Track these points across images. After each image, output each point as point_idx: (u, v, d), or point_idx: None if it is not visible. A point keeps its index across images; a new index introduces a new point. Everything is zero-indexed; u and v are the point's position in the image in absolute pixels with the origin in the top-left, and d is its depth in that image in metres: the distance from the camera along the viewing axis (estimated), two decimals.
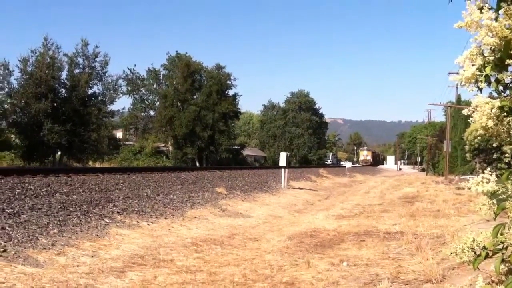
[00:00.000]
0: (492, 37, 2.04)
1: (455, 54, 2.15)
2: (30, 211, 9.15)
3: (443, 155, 41.33)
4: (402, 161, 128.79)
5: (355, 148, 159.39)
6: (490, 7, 2.07)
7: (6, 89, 36.94)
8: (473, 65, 2.10)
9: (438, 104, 52.56)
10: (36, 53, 37.24)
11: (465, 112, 2.18)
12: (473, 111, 2.13)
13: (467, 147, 23.74)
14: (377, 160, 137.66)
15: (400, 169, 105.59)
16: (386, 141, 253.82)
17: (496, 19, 2.04)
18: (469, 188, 2.13)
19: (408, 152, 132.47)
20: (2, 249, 6.73)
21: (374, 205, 15.93)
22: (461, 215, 10.60)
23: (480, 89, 2.13)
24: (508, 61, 2.02)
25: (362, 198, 19.88)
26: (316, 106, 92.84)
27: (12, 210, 8.95)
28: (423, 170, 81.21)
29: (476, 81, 2.11)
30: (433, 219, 10.47)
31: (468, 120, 2.23)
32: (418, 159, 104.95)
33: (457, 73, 2.20)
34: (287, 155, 23.98)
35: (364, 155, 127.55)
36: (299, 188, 24.30)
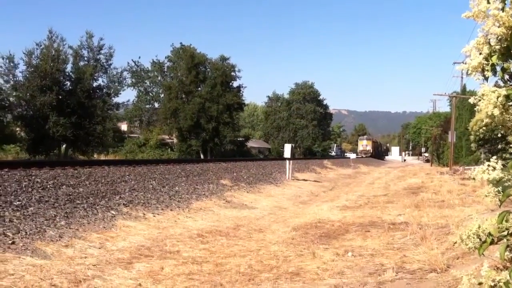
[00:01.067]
0: (499, 27, 2.06)
1: (460, 44, 2.18)
2: (38, 204, 9.21)
3: (448, 146, 41.29)
4: (406, 152, 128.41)
5: None
6: None
7: (12, 82, 37.05)
8: (480, 53, 2.12)
9: (443, 94, 52.53)
10: (41, 45, 37.30)
11: (471, 100, 2.20)
12: (479, 100, 2.14)
13: (472, 137, 23.66)
14: (379, 151, 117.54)
15: (404, 160, 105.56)
16: (391, 132, 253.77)
17: (503, 9, 2.05)
18: (474, 178, 2.15)
19: (412, 143, 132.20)
20: (10, 241, 6.79)
21: (378, 196, 15.94)
22: (466, 206, 10.60)
23: (486, 78, 2.14)
24: None
25: (366, 189, 19.89)
26: (321, 97, 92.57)
27: (19, 202, 9.02)
28: (427, 161, 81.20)
29: (483, 70, 2.13)
30: (437, 210, 10.48)
31: (474, 109, 2.24)
32: (423, 149, 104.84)
33: (463, 62, 2.22)
34: (291, 146, 23.96)
35: (364, 145, 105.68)
36: (304, 179, 24.33)
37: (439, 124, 65.51)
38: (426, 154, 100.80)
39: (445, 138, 47.12)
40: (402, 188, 18.97)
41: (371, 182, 25.15)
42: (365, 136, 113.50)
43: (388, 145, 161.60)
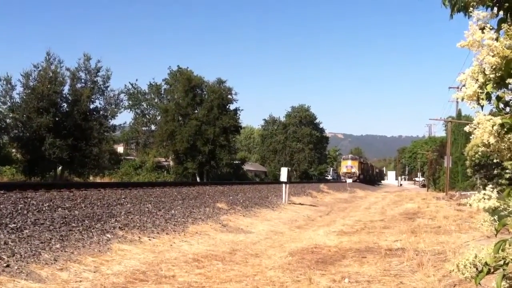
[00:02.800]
0: (493, 57, 2.09)
1: (455, 68, 2.22)
2: (33, 226, 9.16)
3: (444, 171, 41.36)
4: (403, 176, 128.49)
5: None
6: (491, 27, 2.13)
7: (8, 104, 37.12)
8: (476, 81, 2.16)
9: (438, 119, 52.84)
10: (38, 67, 37.44)
11: (467, 129, 2.23)
12: (475, 128, 2.17)
13: (467, 162, 23.75)
14: (370, 175, 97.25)
15: (401, 184, 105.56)
16: (387, 156, 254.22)
17: (497, 39, 2.09)
18: (470, 205, 2.17)
19: (409, 167, 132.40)
20: (5, 264, 6.74)
21: (375, 221, 15.89)
22: (462, 232, 10.59)
23: (482, 106, 2.17)
24: (508, 80, 2.07)
25: (363, 214, 19.84)
26: (317, 121, 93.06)
27: (15, 225, 8.96)
28: (423, 185, 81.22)
29: (478, 98, 2.16)
30: (434, 236, 10.46)
31: (470, 137, 2.28)
32: (419, 174, 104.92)
33: (458, 88, 2.26)
34: (288, 170, 23.90)
35: (348, 166, 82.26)
36: (300, 203, 24.26)
37: (435, 149, 65.73)
38: (419, 179, 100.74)
39: (441, 162, 47.24)
40: (399, 213, 18.93)
41: (367, 207, 25.10)
42: (349, 155, 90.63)
43: (384, 169, 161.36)
